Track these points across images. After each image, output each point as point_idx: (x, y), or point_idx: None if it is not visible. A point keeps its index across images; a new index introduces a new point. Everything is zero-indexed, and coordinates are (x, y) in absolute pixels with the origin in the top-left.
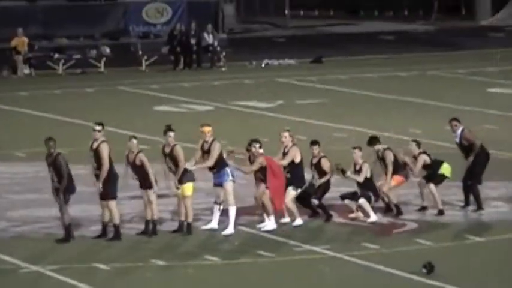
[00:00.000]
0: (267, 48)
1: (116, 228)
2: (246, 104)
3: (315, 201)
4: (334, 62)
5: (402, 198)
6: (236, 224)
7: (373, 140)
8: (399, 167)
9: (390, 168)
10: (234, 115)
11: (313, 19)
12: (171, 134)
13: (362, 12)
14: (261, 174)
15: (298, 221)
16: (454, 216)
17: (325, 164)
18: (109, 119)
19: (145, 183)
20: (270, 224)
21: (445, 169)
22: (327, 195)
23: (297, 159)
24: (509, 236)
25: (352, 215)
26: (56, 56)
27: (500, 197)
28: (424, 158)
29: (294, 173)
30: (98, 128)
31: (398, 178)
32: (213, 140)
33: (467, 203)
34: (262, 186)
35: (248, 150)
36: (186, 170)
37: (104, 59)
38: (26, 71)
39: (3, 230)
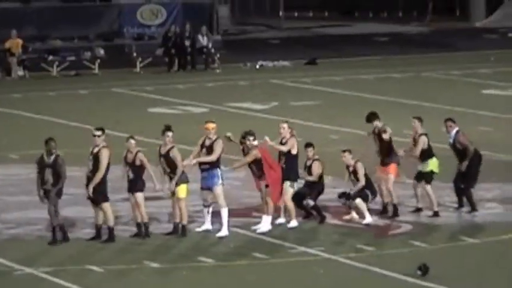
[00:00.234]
0: (261, 49)
1: (110, 230)
2: (241, 106)
3: (310, 203)
4: (328, 64)
5: (396, 200)
6: (230, 226)
7: (372, 116)
8: (393, 152)
9: (386, 144)
10: (228, 117)
11: (308, 20)
12: (169, 134)
13: (356, 13)
14: (256, 168)
15: (293, 223)
16: (449, 217)
17: (316, 169)
18: (103, 121)
19: (136, 185)
20: (265, 225)
21: (433, 164)
22: (322, 196)
23: (294, 151)
24: (504, 237)
25: (346, 217)
26: (50, 57)
27: (494, 199)
28: (424, 140)
29: (289, 164)
30: (98, 133)
31: (394, 167)
32: (217, 138)
33: (461, 204)
34: (263, 184)
35: (242, 142)
36: (182, 172)
37: (98, 60)
38: (20, 72)
39: None
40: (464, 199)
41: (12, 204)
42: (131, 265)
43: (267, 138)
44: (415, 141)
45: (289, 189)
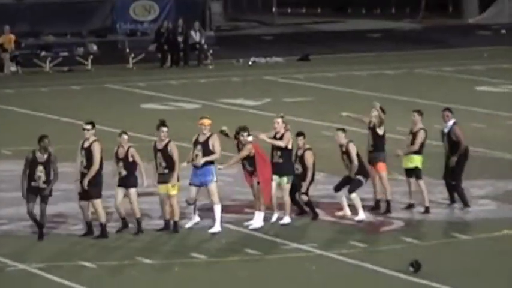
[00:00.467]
0: (254, 46)
1: (102, 226)
2: (233, 102)
3: (304, 198)
4: (321, 60)
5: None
6: (222, 222)
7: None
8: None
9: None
10: (221, 113)
11: (301, 17)
12: (165, 129)
13: (349, 10)
14: (248, 164)
15: (286, 219)
16: (441, 214)
17: (309, 159)
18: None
19: (129, 181)
20: (257, 221)
21: (418, 160)
22: (314, 193)
23: (290, 145)
24: (496, 234)
25: (339, 213)
26: (43, 53)
27: (487, 195)
28: (422, 135)
29: (286, 159)
30: (88, 127)
31: (382, 165)
32: (211, 134)
33: (452, 200)
34: (255, 181)
35: (236, 138)
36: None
37: (91, 56)
38: (13, 68)
39: None
40: (456, 195)
41: (5, 200)
42: (124, 261)
43: (261, 135)
44: (414, 136)
45: (287, 185)
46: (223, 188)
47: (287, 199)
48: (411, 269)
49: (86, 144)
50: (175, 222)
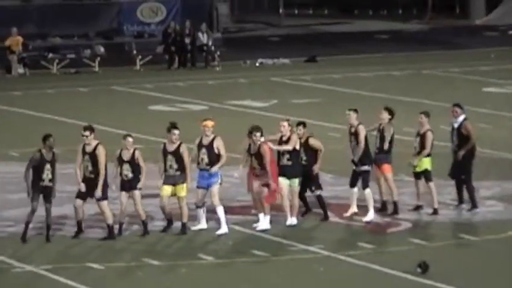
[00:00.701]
0: (261, 47)
1: (110, 228)
2: (241, 104)
3: (318, 192)
4: (328, 61)
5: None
6: (228, 223)
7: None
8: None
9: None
10: (228, 114)
11: (308, 18)
12: (176, 132)
13: (356, 11)
14: (258, 164)
15: (293, 221)
16: (449, 215)
17: (316, 142)
18: (103, 118)
19: (134, 183)
20: (264, 223)
21: (427, 162)
22: (323, 194)
23: (297, 146)
24: (504, 235)
25: (347, 214)
26: (50, 55)
27: (494, 196)
28: (431, 136)
29: (294, 160)
30: (86, 133)
31: (388, 167)
32: (215, 136)
33: (461, 201)
34: (258, 182)
35: (249, 137)
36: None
37: (98, 58)
38: (20, 70)
39: None
40: (465, 195)
41: (12, 201)
42: (131, 263)
43: (269, 143)
44: (422, 138)
45: (297, 188)
46: (229, 189)
47: (296, 202)
48: (419, 270)
49: (89, 149)
50: (183, 224)
